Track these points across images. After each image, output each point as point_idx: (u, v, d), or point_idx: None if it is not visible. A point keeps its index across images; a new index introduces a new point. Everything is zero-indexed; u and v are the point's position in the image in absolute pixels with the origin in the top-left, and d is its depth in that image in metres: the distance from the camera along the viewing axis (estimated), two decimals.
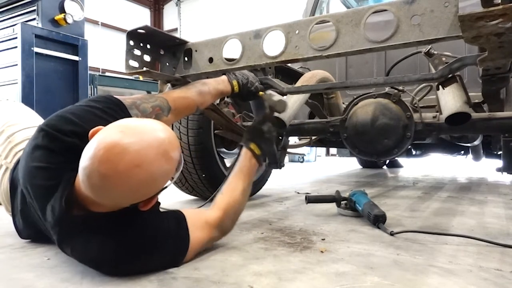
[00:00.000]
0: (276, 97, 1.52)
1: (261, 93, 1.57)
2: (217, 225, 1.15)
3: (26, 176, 1.01)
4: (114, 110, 1.09)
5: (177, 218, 1.05)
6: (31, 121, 1.45)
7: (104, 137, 0.83)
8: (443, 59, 1.76)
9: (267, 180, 2.53)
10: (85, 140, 0.90)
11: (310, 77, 2.03)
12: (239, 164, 1.33)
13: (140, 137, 0.84)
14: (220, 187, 1.28)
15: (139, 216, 0.97)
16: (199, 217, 1.11)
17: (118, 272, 0.95)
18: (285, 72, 2.24)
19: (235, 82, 1.51)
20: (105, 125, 0.90)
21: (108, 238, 0.93)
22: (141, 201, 0.91)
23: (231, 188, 1.25)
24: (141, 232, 0.97)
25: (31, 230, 1.19)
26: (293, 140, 3.10)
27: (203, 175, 2.09)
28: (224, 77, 1.51)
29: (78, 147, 0.93)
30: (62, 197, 0.92)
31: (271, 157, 1.44)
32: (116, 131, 0.84)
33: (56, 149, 0.98)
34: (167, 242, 1.00)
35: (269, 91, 1.57)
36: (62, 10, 4.10)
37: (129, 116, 1.09)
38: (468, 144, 2.69)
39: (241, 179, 1.28)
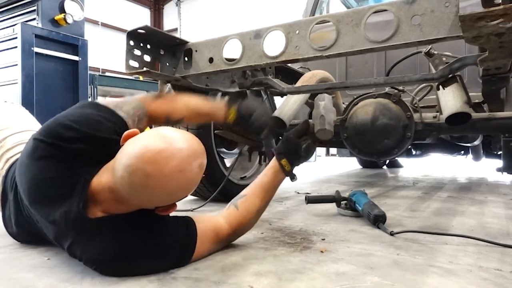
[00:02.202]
0: (319, 115, 1.27)
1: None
2: (225, 240, 1.17)
3: (33, 188, 0.97)
4: (107, 113, 1.07)
5: (187, 225, 1.06)
6: (24, 125, 1.41)
7: (152, 141, 0.88)
8: (444, 59, 1.76)
9: None
10: (89, 144, 0.94)
11: (310, 77, 2.03)
12: (263, 177, 1.28)
13: (184, 146, 0.90)
14: (239, 196, 1.25)
15: (154, 219, 1.00)
16: (210, 228, 1.12)
17: (127, 272, 0.96)
18: (285, 72, 2.24)
19: (232, 111, 1.33)
20: (105, 128, 0.96)
21: (123, 239, 0.95)
22: (166, 205, 0.96)
23: (248, 206, 1.21)
24: (154, 236, 0.99)
25: (27, 235, 1.19)
26: None
27: (203, 175, 2.09)
28: (223, 103, 1.38)
29: (83, 152, 0.96)
30: (80, 201, 0.92)
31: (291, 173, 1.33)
32: (161, 137, 0.89)
33: (63, 157, 0.97)
34: (175, 247, 1.02)
35: (322, 100, 1.35)
36: (62, 10, 4.09)
37: (119, 117, 1.07)
38: (468, 144, 2.69)
39: (259, 197, 1.24)
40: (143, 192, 0.89)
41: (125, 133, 0.94)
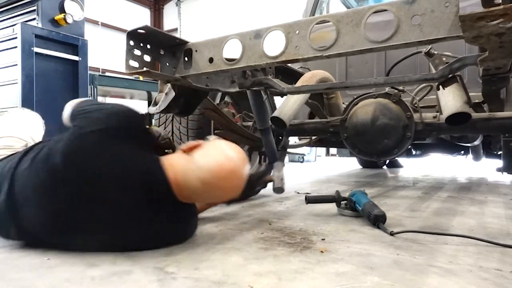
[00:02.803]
0: (280, 177, 1.83)
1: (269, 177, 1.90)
2: None
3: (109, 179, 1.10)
4: None
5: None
6: (9, 131, 1.47)
7: (224, 161, 1.13)
8: (444, 59, 1.76)
9: None
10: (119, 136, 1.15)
11: (310, 77, 2.03)
12: None
13: (242, 164, 1.18)
14: None
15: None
16: None
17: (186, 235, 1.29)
18: (285, 72, 2.24)
19: None
20: None
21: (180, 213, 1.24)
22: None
23: None
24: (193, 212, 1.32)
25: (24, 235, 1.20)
26: (293, 140, 3.10)
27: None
28: None
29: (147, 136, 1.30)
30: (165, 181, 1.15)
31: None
32: (230, 158, 1.15)
33: (136, 140, 1.18)
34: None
35: (282, 167, 1.87)
36: (62, 10, 4.08)
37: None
38: (468, 144, 2.70)
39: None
40: (208, 196, 1.21)
41: (190, 143, 1.20)
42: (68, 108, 1.30)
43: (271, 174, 1.85)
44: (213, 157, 1.14)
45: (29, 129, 1.56)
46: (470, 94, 1.77)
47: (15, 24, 3.84)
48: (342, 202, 1.82)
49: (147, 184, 1.13)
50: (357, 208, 1.69)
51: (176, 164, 1.17)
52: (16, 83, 3.74)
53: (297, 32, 1.14)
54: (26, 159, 1.17)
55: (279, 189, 1.80)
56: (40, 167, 1.12)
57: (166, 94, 1.59)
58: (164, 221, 1.18)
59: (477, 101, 1.98)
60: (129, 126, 1.18)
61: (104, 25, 12.93)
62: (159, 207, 1.16)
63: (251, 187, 1.71)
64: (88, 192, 1.09)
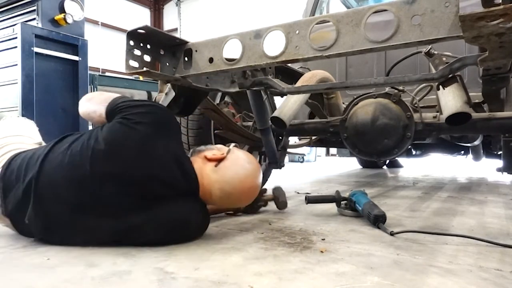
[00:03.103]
0: (282, 195, 1.90)
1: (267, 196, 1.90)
2: None
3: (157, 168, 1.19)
4: None
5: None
6: (18, 131, 1.51)
7: (245, 178, 1.29)
8: (444, 59, 1.76)
9: (267, 180, 2.53)
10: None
11: (310, 77, 2.03)
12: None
13: (260, 177, 1.36)
14: None
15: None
16: None
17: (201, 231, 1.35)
18: (285, 72, 2.24)
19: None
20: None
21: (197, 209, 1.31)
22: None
23: None
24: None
25: (41, 224, 1.19)
26: (293, 140, 3.10)
27: None
28: None
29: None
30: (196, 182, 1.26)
31: None
32: (249, 175, 1.30)
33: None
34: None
35: (278, 190, 1.92)
36: (62, 10, 4.08)
37: None
38: (468, 144, 2.70)
39: None
40: (225, 203, 1.42)
41: (214, 153, 1.29)
42: (87, 104, 1.35)
43: (272, 193, 1.90)
44: (237, 173, 1.28)
45: (32, 130, 1.58)
46: (470, 94, 1.77)
47: (15, 24, 3.84)
48: (342, 202, 1.82)
49: (183, 179, 1.23)
50: (357, 208, 1.68)
51: (203, 169, 1.28)
52: (16, 83, 3.74)
53: (297, 32, 1.14)
54: (58, 146, 1.22)
55: (283, 204, 1.88)
56: (78, 151, 1.17)
57: (166, 94, 1.59)
58: (190, 214, 1.26)
59: (477, 101, 1.98)
60: (170, 121, 1.29)
61: (104, 25, 12.93)
62: (186, 201, 1.25)
63: (250, 206, 1.76)
64: (126, 179, 1.16)
